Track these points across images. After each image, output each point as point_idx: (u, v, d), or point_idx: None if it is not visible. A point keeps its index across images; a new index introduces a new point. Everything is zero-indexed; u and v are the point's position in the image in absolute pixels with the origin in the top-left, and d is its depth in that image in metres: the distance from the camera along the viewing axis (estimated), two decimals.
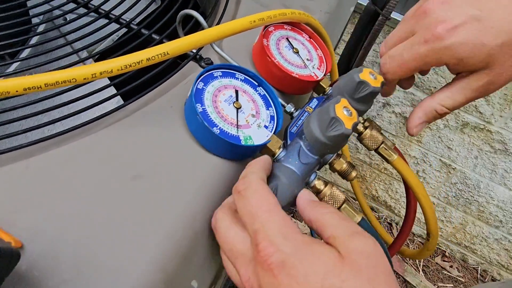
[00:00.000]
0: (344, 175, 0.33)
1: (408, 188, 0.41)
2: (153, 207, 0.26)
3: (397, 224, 1.67)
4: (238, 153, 0.30)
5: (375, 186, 1.58)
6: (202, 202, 0.28)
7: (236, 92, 0.32)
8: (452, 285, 1.58)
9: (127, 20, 0.38)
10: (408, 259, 1.60)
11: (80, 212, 0.24)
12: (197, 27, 0.40)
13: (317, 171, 0.32)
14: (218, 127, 0.29)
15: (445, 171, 1.39)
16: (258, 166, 0.27)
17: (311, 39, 0.41)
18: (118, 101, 0.38)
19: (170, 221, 0.26)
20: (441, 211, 1.53)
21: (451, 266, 1.64)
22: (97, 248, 0.23)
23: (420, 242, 1.66)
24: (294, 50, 0.39)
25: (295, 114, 0.35)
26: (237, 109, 0.31)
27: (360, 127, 0.37)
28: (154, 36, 0.38)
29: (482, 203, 1.41)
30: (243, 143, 0.29)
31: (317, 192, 0.31)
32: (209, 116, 0.29)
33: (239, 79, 0.33)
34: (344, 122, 0.28)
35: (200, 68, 0.37)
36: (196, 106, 0.29)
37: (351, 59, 1.03)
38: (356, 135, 0.38)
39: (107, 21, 0.38)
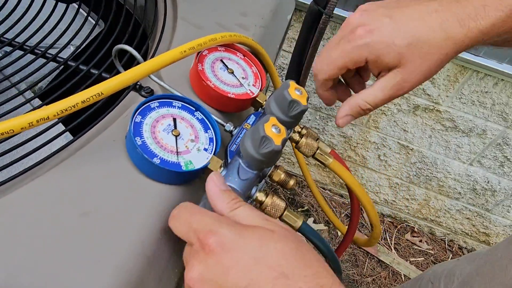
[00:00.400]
0: (283, 184, 0.36)
1: (348, 187, 0.45)
2: (102, 241, 0.28)
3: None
4: (181, 179, 0.32)
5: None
6: (150, 227, 0.30)
7: (174, 120, 0.34)
8: (423, 258, 1.66)
9: (64, 58, 0.39)
10: (380, 240, 1.67)
11: (31, 256, 0.26)
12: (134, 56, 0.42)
13: (258, 185, 0.34)
14: (158, 157, 0.31)
15: (404, 153, 1.46)
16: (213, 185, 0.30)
17: (245, 57, 0.44)
18: (66, 135, 0.39)
19: (121, 251, 0.28)
20: (405, 190, 1.61)
21: (420, 241, 1.73)
22: (51, 286, 0.25)
23: (387, 224, 1.74)
24: (229, 70, 0.41)
25: (234, 132, 0.37)
26: (176, 136, 0.33)
27: (296, 137, 0.40)
28: (92, 70, 0.39)
29: (441, 178, 1.49)
30: (184, 168, 0.32)
31: (260, 203, 0.34)
32: (149, 148, 0.31)
33: (176, 107, 0.35)
34: (273, 140, 0.30)
35: (141, 97, 0.38)
36: (135, 139, 0.31)
37: (301, 58, 1.07)
38: (294, 144, 0.41)
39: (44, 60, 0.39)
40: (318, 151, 0.40)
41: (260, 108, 0.41)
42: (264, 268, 0.23)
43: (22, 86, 0.41)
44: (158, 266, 0.29)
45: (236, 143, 0.35)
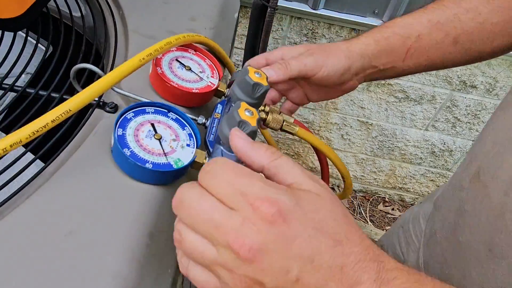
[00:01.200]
0: None
1: (316, 149, 0.49)
2: (94, 254, 0.29)
3: (338, 186, 1.81)
4: (174, 177, 0.35)
5: (310, 159, 1.69)
6: (144, 229, 0.31)
7: (152, 125, 0.36)
8: None
9: (21, 86, 0.39)
10: (356, 214, 1.75)
11: (26, 282, 0.27)
12: (92, 75, 0.42)
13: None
14: (149, 162, 0.33)
15: (365, 128, 1.53)
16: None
17: (197, 52, 0.46)
18: (37, 163, 0.40)
19: (114, 261, 0.29)
20: (372, 164, 1.68)
21: (392, 209, 1.82)
22: None
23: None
24: (186, 68, 0.43)
25: (207, 123, 0.39)
26: (159, 140, 0.35)
27: (263, 115, 0.43)
28: (53, 95, 0.40)
29: (401, 147, 1.58)
30: (175, 167, 0.33)
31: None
32: (139, 156, 0.33)
33: (150, 113, 0.37)
34: (249, 122, 0.33)
35: (106, 113, 0.39)
36: (124, 151, 0.32)
37: (254, 52, 1.09)
38: (262, 122, 0.43)
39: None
40: (284, 123, 0.43)
41: (223, 97, 0.43)
42: (323, 237, 0.24)
43: None
44: (151, 268, 0.31)
45: (213, 133, 0.38)
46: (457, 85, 1.34)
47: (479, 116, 1.42)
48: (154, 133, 0.35)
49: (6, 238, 0.29)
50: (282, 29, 1.25)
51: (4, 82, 0.39)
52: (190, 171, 0.37)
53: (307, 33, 1.25)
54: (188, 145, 0.36)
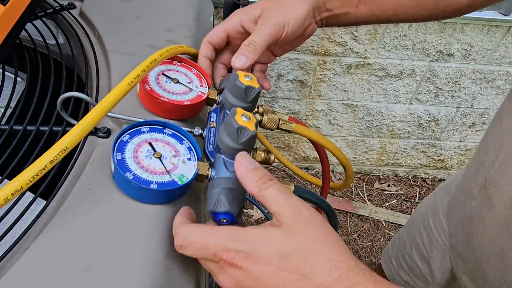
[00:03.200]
0: (265, 162, 0.38)
1: (313, 142, 0.49)
2: (116, 280, 0.28)
3: (333, 171, 1.82)
4: (180, 193, 0.34)
5: (301, 148, 1.69)
6: (160, 252, 0.31)
7: (150, 144, 0.35)
8: (395, 200, 1.78)
9: (5, 125, 0.38)
10: (354, 196, 1.76)
11: None
12: (79, 102, 0.41)
13: None
14: (154, 183, 0.32)
15: (350, 111, 1.54)
16: (179, 219, 0.31)
17: (182, 63, 0.45)
18: (38, 201, 0.38)
19: (135, 283, 0.28)
20: (362, 144, 1.70)
21: (388, 185, 1.84)
22: None
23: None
24: (174, 80, 0.42)
25: (204, 134, 0.39)
26: (159, 158, 0.34)
27: (258, 117, 0.43)
28: (41, 128, 0.39)
29: (389, 124, 1.60)
30: (180, 183, 0.33)
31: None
32: (142, 178, 0.32)
33: (146, 132, 0.36)
34: (248, 127, 0.33)
35: (99, 139, 0.39)
36: (126, 175, 0.31)
37: None
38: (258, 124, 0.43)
39: None
40: (280, 122, 0.43)
41: (215, 104, 0.43)
42: (286, 273, 0.26)
43: None
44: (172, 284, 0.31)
45: (211, 142, 0.37)
46: (434, 56, 1.35)
47: (459, 82, 1.44)
48: (153, 152, 0.35)
49: (21, 285, 0.28)
50: None
51: None
52: (194, 184, 0.36)
53: None
54: (189, 159, 0.36)
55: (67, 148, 0.30)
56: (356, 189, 1.80)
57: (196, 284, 0.33)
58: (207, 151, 0.37)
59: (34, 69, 0.45)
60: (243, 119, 0.34)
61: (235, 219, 0.33)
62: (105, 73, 0.45)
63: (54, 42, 0.47)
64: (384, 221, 1.69)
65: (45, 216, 0.32)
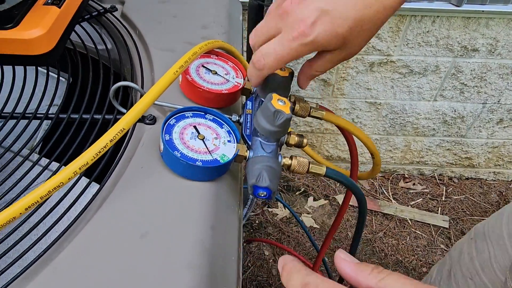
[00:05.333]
0: (298, 145, 0.41)
1: (342, 130, 0.51)
2: (169, 250, 0.32)
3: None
4: (222, 171, 0.38)
5: (325, 147, 1.71)
6: (207, 222, 0.34)
7: (195, 127, 0.38)
8: (421, 198, 1.77)
9: (54, 113, 0.42)
10: (379, 195, 1.76)
11: (116, 278, 0.29)
12: (126, 95, 0.45)
13: (281, 153, 0.40)
14: (199, 161, 0.35)
15: (374, 109, 1.54)
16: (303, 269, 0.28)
17: (219, 57, 0.48)
18: (92, 185, 0.42)
19: (187, 253, 0.32)
20: (386, 143, 1.70)
21: (413, 184, 1.83)
22: None
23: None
24: (212, 72, 0.46)
25: (241, 120, 0.42)
26: (202, 140, 0.38)
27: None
28: (95, 116, 0.43)
29: (413, 121, 1.59)
30: (221, 162, 0.36)
31: (288, 167, 0.39)
32: (188, 156, 0.36)
33: (189, 117, 0.40)
34: (283, 110, 0.36)
35: (146, 126, 0.42)
36: (175, 153, 0.35)
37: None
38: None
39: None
40: (311, 109, 0.45)
41: (250, 94, 0.46)
42: None
43: (25, 152, 0.44)
44: (218, 256, 0.34)
45: (248, 127, 0.41)
46: (458, 51, 1.35)
47: (485, 78, 1.43)
48: (197, 134, 0.38)
49: (86, 248, 0.32)
50: None
51: (38, 112, 0.42)
52: (232, 165, 0.40)
53: None
54: (229, 141, 0.39)
55: (124, 129, 0.34)
56: (381, 188, 1.80)
57: (237, 249, 0.36)
58: (244, 135, 0.41)
59: (84, 67, 0.49)
60: (279, 103, 0.37)
61: (271, 195, 0.36)
62: (148, 67, 0.49)
63: (100, 42, 0.51)
64: (410, 219, 1.68)
65: (103, 193, 0.36)
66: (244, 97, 0.47)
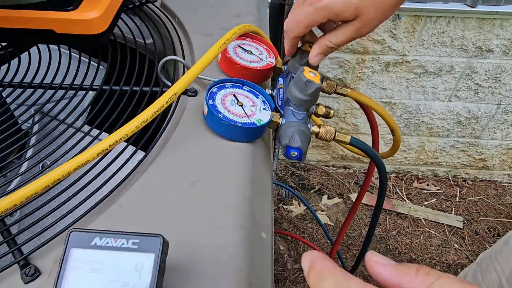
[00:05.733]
0: (326, 115, 0.46)
1: (363, 107, 0.55)
2: (216, 194, 0.36)
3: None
4: (258, 133, 0.42)
5: (339, 147, 1.74)
6: (247, 176, 0.39)
7: (234, 95, 0.43)
8: (435, 199, 1.78)
9: (98, 85, 0.47)
10: (392, 195, 1.78)
11: (174, 216, 0.34)
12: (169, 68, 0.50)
13: (310, 122, 0.44)
14: (239, 123, 0.40)
15: (389, 109, 1.58)
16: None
17: (253, 39, 0.53)
18: (139, 153, 0.47)
19: (232, 197, 0.36)
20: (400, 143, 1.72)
21: (427, 185, 1.85)
22: (195, 232, 0.33)
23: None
24: (248, 52, 0.51)
25: (274, 93, 0.47)
26: (241, 106, 0.43)
27: None
28: (144, 88, 0.48)
29: (427, 122, 1.62)
30: (258, 124, 0.41)
31: (316, 134, 0.43)
32: (229, 118, 0.41)
33: (229, 87, 0.45)
34: (314, 80, 0.40)
35: (189, 98, 0.47)
36: (218, 115, 0.40)
37: (277, 47, 1.17)
38: None
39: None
40: (337, 86, 0.50)
41: (281, 72, 0.51)
42: None
43: (70, 120, 0.49)
44: (257, 203, 0.38)
45: (280, 99, 0.45)
46: (473, 52, 1.38)
47: (499, 79, 1.45)
48: (237, 101, 0.43)
49: (146, 190, 0.36)
50: None
51: (83, 84, 0.48)
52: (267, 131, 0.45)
53: None
54: (264, 108, 0.44)
55: (177, 93, 0.39)
56: (395, 188, 1.82)
57: (271, 201, 0.40)
58: (278, 105, 0.45)
59: (132, 53, 0.54)
60: (310, 74, 0.41)
61: (302, 156, 0.41)
62: (188, 49, 0.54)
63: (145, 31, 0.57)
64: (424, 219, 1.70)
65: (155, 151, 0.41)
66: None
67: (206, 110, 0.42)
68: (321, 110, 0.46)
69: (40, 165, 0.48)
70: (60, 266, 0.26)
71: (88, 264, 0.26)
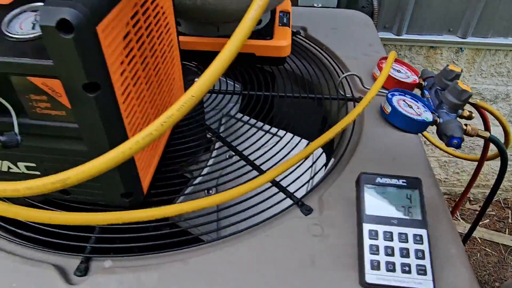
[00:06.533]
0: (468, 117, 0.61)
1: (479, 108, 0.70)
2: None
3: None
4: (425, 127, 0.58)
5: None
6: (426, 163, 0.53)
7: (403, 100, 0.59)
8: (488, 220, 1.87)
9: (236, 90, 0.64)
10: None
11: None
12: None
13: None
14: (415, 118, 0.56)
15: None
16: None
17: (396, 63, 0.70)
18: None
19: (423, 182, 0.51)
20: (454, 165, 1.84)
21: (479, 206, 1.93)
22: None
23: None
24: (397, 70, 0.67)
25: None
26: (411, 107, 0.58)
27: None
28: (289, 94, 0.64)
29: (482, 145, 1.73)
30: (427, 121, 0.57)
31: (464, 130, 0.58)
32: (408, 115, 0.56)
33: (398, 95, 0.60)
34: (467, 89, 0.56)
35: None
36: (399, 113, 0.56)
37: None
38: None
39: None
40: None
41: (422, 86, 0.66)
42: None
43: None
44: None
45: (431, 105, 0.61)
46: None
47: None
48: (407, 104, 0.59)
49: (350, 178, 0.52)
50: None
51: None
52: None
53: None
54: (425, 110, 0.59)
55: (371, 99, 0.55)
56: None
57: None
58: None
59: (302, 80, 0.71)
60: (464, 85, 0.57)
61: (460, 143, 0.56)
62: (343, 69, 0.71)
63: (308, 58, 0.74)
64: (479, 238, 1.78)
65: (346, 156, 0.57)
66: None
67: (389, 110, 0.57)
68: (466, 113, 0.61)
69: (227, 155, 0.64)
70: (358, 193, 0.41)
71: (376, 193, 0.41)
